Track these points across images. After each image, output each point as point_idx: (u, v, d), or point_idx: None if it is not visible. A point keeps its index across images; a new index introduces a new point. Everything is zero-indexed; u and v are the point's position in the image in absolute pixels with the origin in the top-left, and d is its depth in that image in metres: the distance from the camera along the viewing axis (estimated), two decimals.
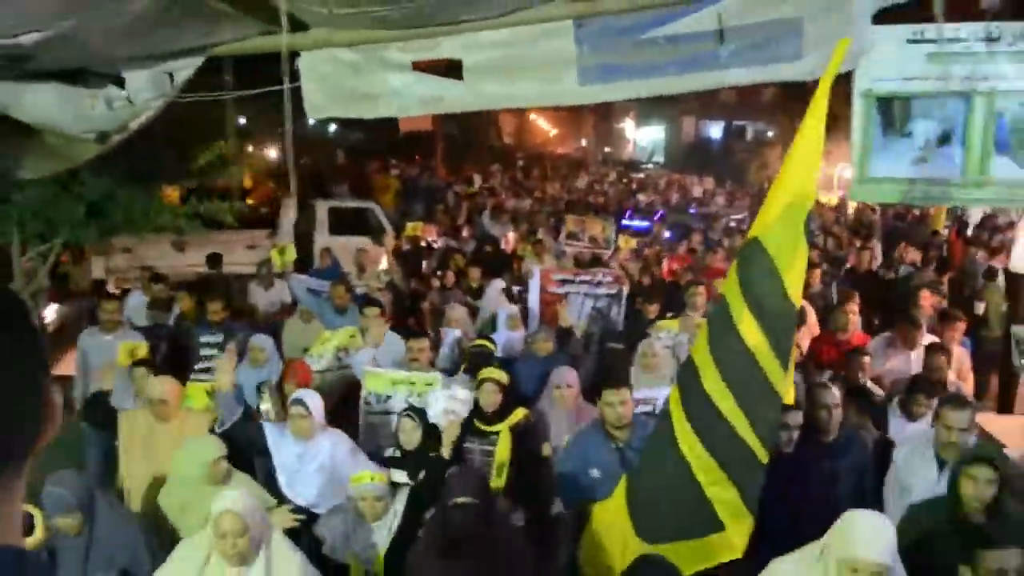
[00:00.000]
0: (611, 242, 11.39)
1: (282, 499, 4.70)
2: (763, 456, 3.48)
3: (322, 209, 13.79)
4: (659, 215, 17.77)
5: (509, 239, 13.15)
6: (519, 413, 5.23)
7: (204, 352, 5.47)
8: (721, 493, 3.49)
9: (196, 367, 5.39)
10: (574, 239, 11.49)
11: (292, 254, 8.62)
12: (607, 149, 42.39)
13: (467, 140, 26.21)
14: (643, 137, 40.94)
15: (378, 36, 4.11)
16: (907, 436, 5.06)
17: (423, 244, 12.29)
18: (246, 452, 4.95)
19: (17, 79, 4.40)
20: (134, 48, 3.80)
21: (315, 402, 4.85)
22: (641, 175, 30.65)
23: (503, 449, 4.99)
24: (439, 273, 9.88)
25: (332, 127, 24.62)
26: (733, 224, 17.15)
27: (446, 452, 4.66)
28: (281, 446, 4.84)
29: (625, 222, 15.82)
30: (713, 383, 3.35)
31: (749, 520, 3.57)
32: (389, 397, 5.57)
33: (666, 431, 3.62)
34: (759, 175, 26.79)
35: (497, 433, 5.05)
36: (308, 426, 4.76)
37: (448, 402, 4.81)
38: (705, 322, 3.59)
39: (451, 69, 4.33)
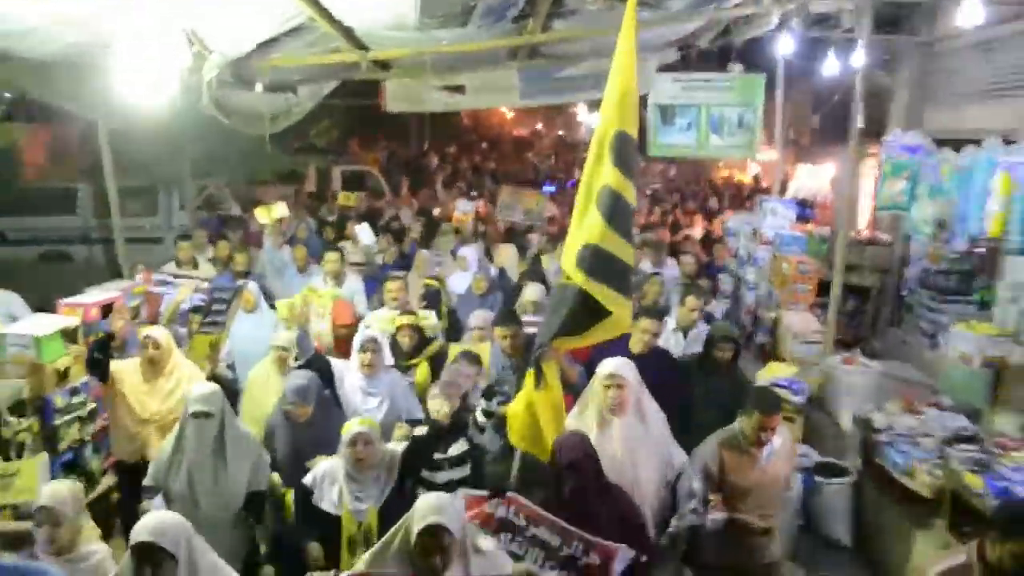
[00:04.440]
0: (543, 214, 11.87)
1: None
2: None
3: (336, 171, 18.36)
4: (571, 183, 21.76)
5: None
6: (435, 346, 5.82)
7: (216, 307, 5.41)
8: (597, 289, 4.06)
9: (205, 320, 5.38)
10: (508, 210, 11.97)
11: (280, 211, 8.97)
12: (561, 132, 45.33)
13: (435, 120, 29.76)
14: (593, 121, 43.15)
15: (422, 74, 8.86)
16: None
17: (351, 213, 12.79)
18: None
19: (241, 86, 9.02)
20: (321, 80, 8.48)
21: (383, 340, 5.20)
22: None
23: (421, 375, 5.61)
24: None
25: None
26: (650, 192, 21.65)
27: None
28: (347, 380, 5.13)
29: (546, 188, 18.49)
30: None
31: (626, 305, 4.17)
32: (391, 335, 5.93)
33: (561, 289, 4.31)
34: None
35: (411, 367, 5.66)
36: (379, 360, 5.08)
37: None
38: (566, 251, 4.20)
39: (459, 88, 9.13)
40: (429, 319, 6.39)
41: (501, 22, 5.67)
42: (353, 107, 15.30)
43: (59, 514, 3.43)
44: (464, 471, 4.37)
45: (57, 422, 4.92)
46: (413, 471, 4.19)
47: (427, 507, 3.01)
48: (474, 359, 5.22)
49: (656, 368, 4.78)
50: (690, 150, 9.20)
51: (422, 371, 5.68)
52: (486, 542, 3.27)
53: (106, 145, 8.63)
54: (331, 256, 7.80)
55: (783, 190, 9.69)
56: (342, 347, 6.03)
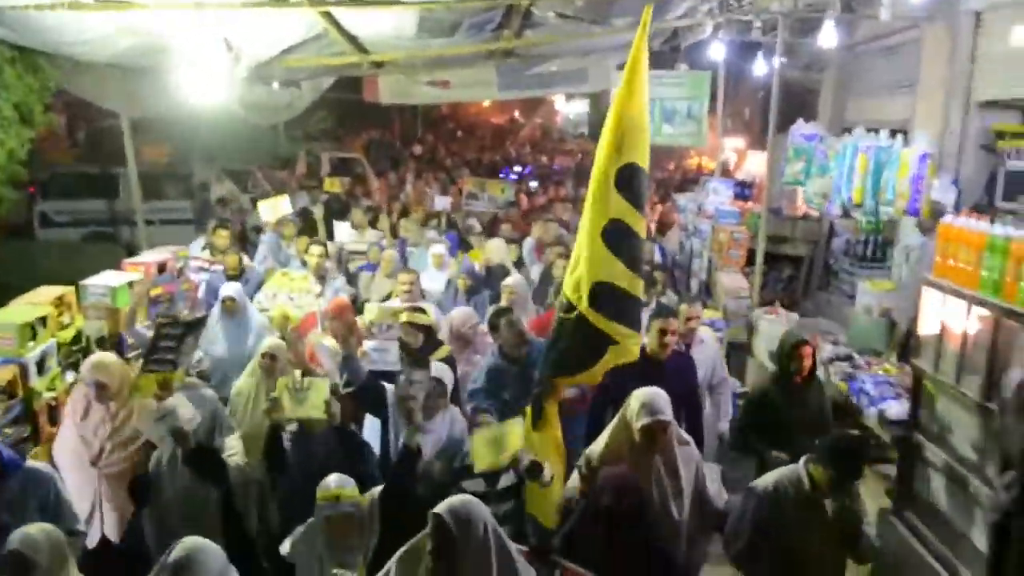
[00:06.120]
0: (509, 203, 11.98)
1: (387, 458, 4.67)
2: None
3: (325, 157, 19.56)
4: (527, 170, 22.49)
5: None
6: (444, 349, 5.50)
7: (164, 343, 4.85)
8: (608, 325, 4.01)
9: (151, 356, 4.82)
10: (474, 199, 11.97)
11: (284, 207, 8.96)
12: (538, 120, 46.15)
13: (415, 110, 30.52)
14: (571, 110, 44.21)
15: (413, 71, 10.13)
16: None
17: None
18: (371, 411, 4.99)
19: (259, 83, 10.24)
20: (320, 76, 9.71)
21: (449, 376, 4.78)
22: (567, 144, 34.45)
23: None
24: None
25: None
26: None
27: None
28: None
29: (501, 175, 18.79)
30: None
31: (635, 336, 4.11)
32: (390, 327, 5.81)
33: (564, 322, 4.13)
34: None
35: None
36: (444, 403, 4.67)
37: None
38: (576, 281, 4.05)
39: (445, 83, 10.41)
40: (429, 315, 6.25)
41: (482, 33, 6.96)
42: (344, 99, 16.55)
43: (32, 564, 3.02)
44: (509, 504, 4.16)
45: (129, 356, 5.95)
46: (394, 511, 3.87)
47: (447, 501, 3.11)
48: (423, 364, 4.96)
49: (679, 373, 4.65)
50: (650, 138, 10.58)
51: None
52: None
53: (128, 135, 9.79)
54: (315, 250, 7.51)
55: (725, 172, 11.05)
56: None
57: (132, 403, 4.66)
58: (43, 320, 5.35)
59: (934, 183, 6.52)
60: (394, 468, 4.18)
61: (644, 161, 3.89)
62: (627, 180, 3.81)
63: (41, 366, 5.23)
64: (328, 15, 6.27)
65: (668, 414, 3.75)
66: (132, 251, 9.33)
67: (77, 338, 5.75)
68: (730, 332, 7.67)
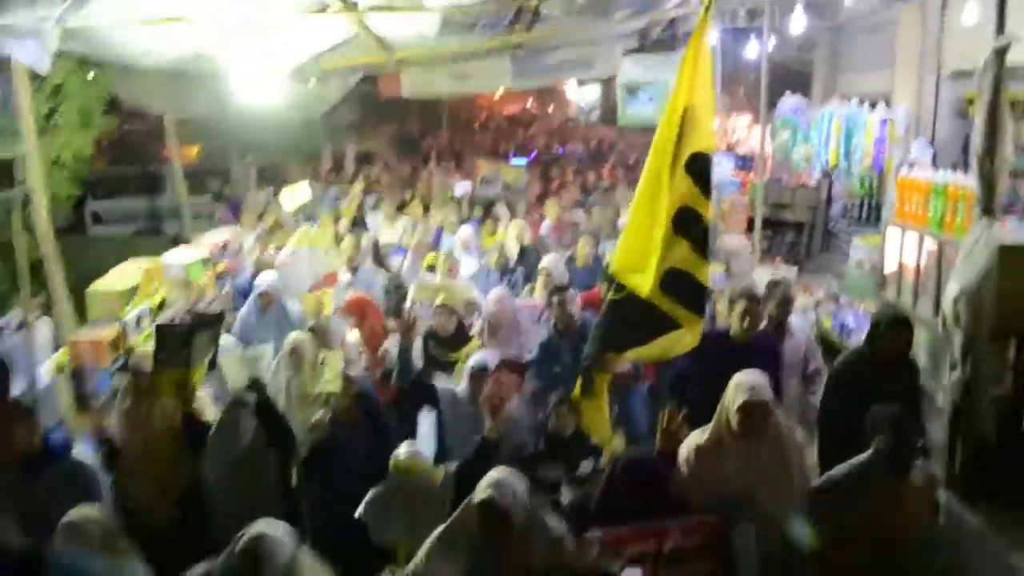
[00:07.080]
0: (523, 188, 12.00)
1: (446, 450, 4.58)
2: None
3: (350, 151, 20.47)
4: (533, 155, 22.75)
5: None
6: (474, 344, 5.55)
7: (169, 344, 4.57)
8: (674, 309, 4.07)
9: (160, 355, 4.56)
10: (488, 184, 12.02)
11: (304, 195, 9.68)
12: (551, 108, 46.27)
13: (429, 103, 30.88)
14: (583, 97, 44.03)
15: (433, 66, 10.95)
16: None
17: None
18: (417, 405, 4.87)
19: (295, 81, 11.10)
20: (350, 74, 10.58)
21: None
22: (579, 130, 34.76)
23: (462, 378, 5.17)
24: None
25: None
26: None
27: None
28: (454, 405, 4.73)
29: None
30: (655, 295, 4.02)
31: (698, 322, 4.12)
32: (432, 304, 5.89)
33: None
34: None
35: (455, 363, 5.38)
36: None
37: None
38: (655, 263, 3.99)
39: (462, 75, 11.23)
40: (470, 291, 6.41)
41: (496, 29, 7.80)
42: (368, 93, 17.38)
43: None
44: (586, 490, 4.12)
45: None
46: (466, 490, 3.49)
47: (486, 481, 3.09)
48: (515, 367, 4.95)
49: (763, 356, 4.50)
50: (653, 119, 11.32)
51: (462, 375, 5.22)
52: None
53: (173, 136, 10.66)
54: (349, 240, 7.56)
55: (729, 147, 11.78)
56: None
57: (157, 404, 4.51)
58: (135, 288, 6.30)
59: (912, 145, 7.30)
60: (472, 456, 4.11)
61: (712, 147, 3.97)
62: (698, 166, 3.86)
63: (137, 325, 6.19)
64: (361, 21, 7.10)
65: (767, 394, 3.55)
66: (178, 244, 10.25)
67: (162, 304, 6.71)
68: (731, 288, 8.44)
